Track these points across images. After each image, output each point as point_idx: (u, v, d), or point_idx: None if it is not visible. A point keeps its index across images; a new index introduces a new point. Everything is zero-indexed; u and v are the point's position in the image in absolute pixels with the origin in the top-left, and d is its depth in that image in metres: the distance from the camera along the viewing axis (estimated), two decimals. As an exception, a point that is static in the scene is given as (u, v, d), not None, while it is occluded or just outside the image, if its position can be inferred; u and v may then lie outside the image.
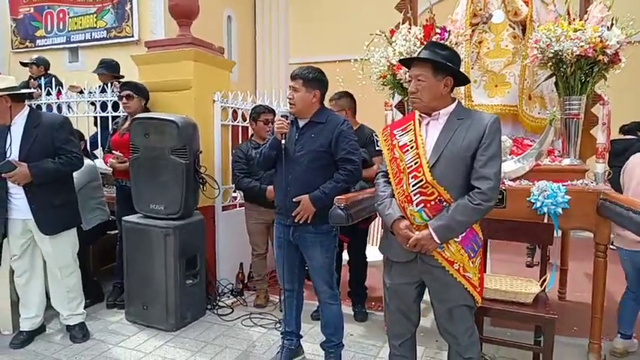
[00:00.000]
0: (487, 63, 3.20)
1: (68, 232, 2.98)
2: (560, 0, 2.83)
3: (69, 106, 4.62)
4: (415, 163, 1.86)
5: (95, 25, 7.07)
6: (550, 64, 2.70)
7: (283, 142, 2.48)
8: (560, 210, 2.52)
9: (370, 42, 3.17)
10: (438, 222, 1.81)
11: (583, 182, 2.66)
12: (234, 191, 4.19)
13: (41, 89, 4.64)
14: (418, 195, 1.85)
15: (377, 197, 2.05)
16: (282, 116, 2.53)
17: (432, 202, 1.84)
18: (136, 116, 3.36)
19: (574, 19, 2.70)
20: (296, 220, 2.48)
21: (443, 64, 1.86)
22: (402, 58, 2.62)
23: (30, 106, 2.97)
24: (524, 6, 3.15)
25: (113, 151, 3.55)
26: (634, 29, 2.58)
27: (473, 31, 3.26)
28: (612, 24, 2.56)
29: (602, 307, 2.61)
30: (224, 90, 3.98)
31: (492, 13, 3.22)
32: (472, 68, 3.19)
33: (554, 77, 2.79)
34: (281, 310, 3.16)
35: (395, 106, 3.34)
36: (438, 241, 1.81)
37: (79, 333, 3.05)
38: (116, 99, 4.03)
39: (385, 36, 3.14)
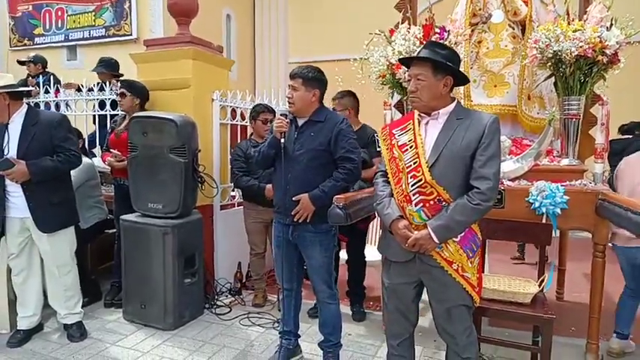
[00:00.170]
0: (486, 63, 3.20)
1: (66, 231, 2.97)
2: (560, 0, 2.83)
3: (67, 105, 4.61)
4: (414, 163, 1.86)
5: (94, 24, 7.06)
6: (549, 64, 2.70)
7: (282, 140, 2.48)
8: (558, 210, 2.52)
9: (370, 41, 3.17)
10: (437, 222, 1.81)
11: (582, 182, 2.66)
12: (233, 190, 4.19)
13: (39, 87, 4.63)
14: (417, 195, 1.85)
15: (376, 197, 2.04)
16: (281, 115, 2.52)
17: (431, 202, 1.84)
18: (135, 115, 3.35)
19: (573, 20, 2.70)
20: (295, 219, 2.48)
21: (443, 63, 1.86)
22: (401, 57, 2.62)
23: (28, 104, 2.97)
24: (523, 6, 3.15)
25: (111, 150, 3.54)
26: (633, 29, 2.58)
27: (472, 30, 3.26)
28: (611, 24, 2.56)
29: (600, 308, 2.61)
30: (223, 89, 3.97)
31: (492, 13, 3.22)
32: (471, 68, 3.19)
33: (554, 77, 2.80)
34: (279, 310, 3.16)
35: (394, 106, 3.33)
36: (437, 241, 1.81)
37: (76, 332, 3.04)
38: (114, 97, 4.02)
39: (384, 35, 3.14)
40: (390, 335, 2.13)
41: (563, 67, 2.64)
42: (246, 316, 3.48)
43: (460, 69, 2.01)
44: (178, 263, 3.21)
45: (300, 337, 2.85)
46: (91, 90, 4.32)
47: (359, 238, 3.49)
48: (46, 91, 4.57)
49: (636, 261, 2.75)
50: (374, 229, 3.90)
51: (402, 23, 3.19)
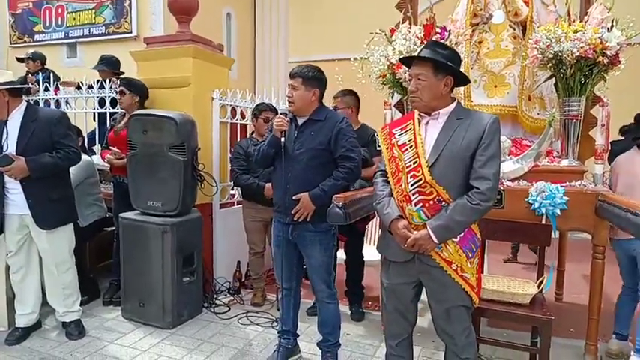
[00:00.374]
0: (487, 63, 3.20)
1: (65, 228, 2.97)
2: (561, 1, 2.83)
3: (67, 102, 4.60)
4: (414, 163, 1.86)
5: (94, 21, 7.05)
6: (550, 64, 2.70)
7: (282, 140, 2.47)
8: (558, 211, 2.52)
9: (370, 41, 3.17)
10: (437, 222, 1.81)
11: (581, 183, 2.66)
12: (232, 189, 4.19)
13: (39, 84, 4.62)
14: (417, 195, 1.85)
15: (375, 196, 2.04)
16: (281, 114, 2.52)
17: (431, 202, 1.84)
18: (134, 113, 3.35)
19: (574, 20, 2.70)
20: (295, 219, 2.47)
21: (443, 63, 1.86)
22: (402, 57, 2.61)
23: (27, 101, 2.96)
24: (524, 6, 3.15)
25: (111, 148, 3.54)
26: (634, 31, 2.58)
27: (473, 31, 3.26)
28: (612, 25, 2.56)
29: (599, 309, 2.61)
30: (223, 87, 3.97)
31: (493, 14, 3.22)
32: (472, 68, 3.19)
33: (554, 78, 2.79)
34: (278, 309, 3.16)
35: (394, 105, 3.33)
36: (437, 241, 1.81)
37: (74, 330, 3.04)
38: (114, 95, 4.01)
39: (385, 35, 3.14)
40: (388, 335, 2.13)
41: (564, 67, 2.64)
42: (244, 315, 3.47)
43: (461, 69, 2.01)
44: (177, 262, 3.20)
45: (298, 336, 2.84)
46: (90, 87, 4.31)
47: (357, 238, 3.49)
48: (46, 89, 4.56)
49: (633, 252, 2.77)
50: (372, 229, 3.90)
51: (402, 23, 3.19)
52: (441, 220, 1.81)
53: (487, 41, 3.23)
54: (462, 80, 1.98)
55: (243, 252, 3.89)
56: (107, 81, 4.21)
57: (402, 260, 1.95)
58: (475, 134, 1.82)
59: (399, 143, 1.94)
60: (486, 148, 1.81)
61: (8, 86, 2.75)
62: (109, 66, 4.52)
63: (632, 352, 2.76)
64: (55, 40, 7.40)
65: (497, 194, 2.53)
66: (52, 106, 4.47)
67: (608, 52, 2.53)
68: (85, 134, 4.17)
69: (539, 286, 2.52)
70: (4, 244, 2.96)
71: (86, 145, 4.25)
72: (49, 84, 4.53)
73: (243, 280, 4.06)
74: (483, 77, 3.21)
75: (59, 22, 7.34)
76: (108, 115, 4.13)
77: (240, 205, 3.90)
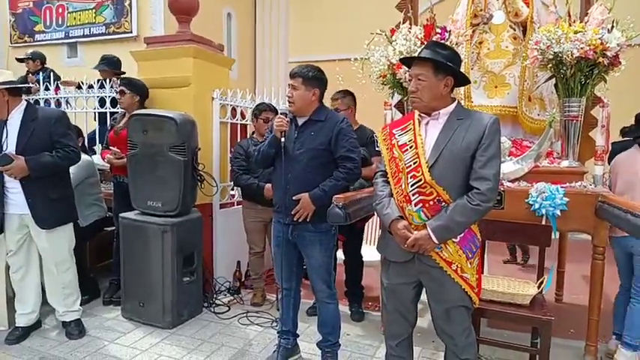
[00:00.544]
0: (487, 64, 3.19)
1: (64, 228, 2.97)
2: (561, 1, 2.83)
3: (67, 102, 4.60)
4: (414, 163, 1.86)
5: (94, 21, 7.05)
6: (550, 65, 2.69)
7: (283, 140, 2.47)
8: (558, 212, 2.51)
9: (370, 41, 3.16)
10: (437, 222, 1.81)
11: (581, 184, 2.66)
12: (232, 189, 4.19)
13: (39, 84, 4.62)
14: (417, 195, 1.85)
15: (375, 197, 2.04)
16: (281, 114, 2.52)
17: (431, 202, 1.84)
18: (135, 112, 3.35)
19: (574, 21, 2.69)
20: (295, 219, 2.47)
21: (444, 63, 1.86)
22: (402, 57, 2.61)
23: (27, 100, 2.96)
24: (524, 7, 3.15)
25: (111, 147, 3.54)
26: (634, 32, 2.57)
27: (473, 31, 3.25)
28: (613, 26, 2.56)
29: (599, 310, 2.61)
30: (223, 87, 3.97)
31: (493, 14, 3.21)
32: (472, 69, 3.19)
33: (554, 79, 2.79)
34: (278, 309, 3.16)
35: (394, 106, 3.33)
36: (436, 242, 1.81)
37: (74, 329, 3.04)
38: (114, 95, 4.01)
39: (385, 35, 3.14)
40: (388, 335, 2.13)
41: (564, 68, 2.64)
42: (244, 315, 3.47)
43: (461, 69, 2.01)
44: (177, 262, 3.20)
45: (298, 336, 2.84)
46: (91, 87, 4.31)
47: (356, 238, 3.49)
48: (46, 88, 4.56)
49: (631, 249, 2.77)
50: (372, 229, 3.90)
51: (403, 23, 3.19)
52: (441, 220, 1.81)
53: (487, 42, 3.23)
54: (462, 81, 1.98)
55: (243, 252, 3.89)
56: (107, 81, 4.21)
57: (401, 260, 1.95)
58: (475, 135, 1.82)
59: (399, 143, 1.94)
60: (486, 148, 1.81)
61: (7, 86, 2.75)
62: (110, 66, 4.52)
63: (619, 345, 2.79)
64: (55, 39, 7.40)
65: (498, 195, 2.53)
66: (53, 105, 4.47)
67: (608, 53, 2.53)
68: (85, 134, 4.17)
69: (539, 287, 2.52)
70: (4, 244, 2.96)
71: (86, 144, 4.25)
72: (50, 83, 4.53)
73: (243, 280, 4.06)
74: (484, 78, 3.21)
75: (59, 22, 7.34)
76: (108, 114, 4.13)
77: (241, 205, 3.90)
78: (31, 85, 4.65)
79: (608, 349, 2.90)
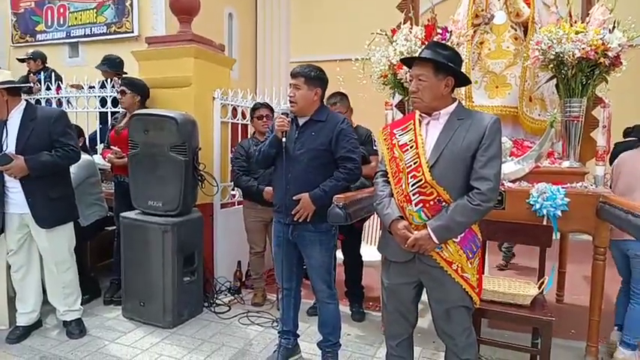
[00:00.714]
0: (488, 64, 3.19)
1: (65, 227, 2.97)
2: (562, 2, 2.82)
3: (68, 102, 4.60)
4: (414, 163, 1.86)
5: (95, 21, 7.06)
6: (551, 65, 2.69)
7: (284, 140, 2.47)
8: (559, 212, 2.51)
9: (371, 41, 3.16)
10: (437, 222, 1.81)
11: (583, 185, 2.66)
12: (233, 189, 4.19)
13: (41, 84, 4.63)
14: (417, 195, 1.85)
15: (376, 197, 2.04)
16: (282, 114, 2.52)
17: (431, 202, 1.84)
18: (135, 112, 3.35)
19: (576, 21, 2.69)
20: (295, 219, 2.47)
21: (444, 64, 1.86)
22: (403, 57, 2.61)
23: (27, 100, 2.97)
24: (526, 7, 3.15)
25: (112, 147, 3.54)
26: (635, 32, 2.57)
27: (474, 31, 3.25)
28: (614, 27, 2.55)
29: (600, 310, 2.61)
30: (224, 87, 3.97)
31: (494, 14, 3.21)
32: (473, 69, 3.19)
33: (555, 79, 2.79)
34: (278, 309, 3.16)
35: (395, 106, 3.33)
36: (437, 241, 1.81)
37: (75, 329, 3.04)
38: (116, 95, 4.02)
39: (386, 35, 3.14)
40: (389, 336, 2.13)
41: (565, 68, 2.64)
42: (245, 314, 3.47)
43: (462, 70, 2.00)
44: (178, 261, 3.20)
45: (299, 336, 2.84)
46: (92, 87, 4.31)
47: (355, 237, 3.49)
48: (48, 88, 4.57)
49: (628, 252, 2.81)
50: (371, 229, 3.90)
51: (404, 23, 3.18)
52: (442, 220, 1.81)
53: (488, 42, 3.23)
54: (463, 81, 1.98)
55: (244, 252, 3.89)
56: (109, 80, 4.21)
57: (402, 260, 1.95)
58: (476, 135, 1.82)
59: (400, 143, 1.94)
60: (487, 148, 1.81)
61: (6, 85, 2.75)
62: (112, 67, 4.52)
63: (618, 344, 2.82)
64: (56, 39, 7.41)
65: (499, 195, 2.53)
66: (54, 105, 4.48)
67: (609, 54, 2.52)
68: (86, 134, 4.17)
69: (539, 288, 2.52)
70: (4, 243, 2.96)
71: (87, 144, 4.25)
72: (51, 83, 4.54)
73: (243, 280, 4.06)
74: (484, 78, 3.21)
75: (61, 22, 7.35)
76: (109, 114, 4.13)
77: (241, 205, 3.90)
78: (31, 84, 4.66)
79: (609, 342, 2.91)
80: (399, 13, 3.32)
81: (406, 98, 3.12)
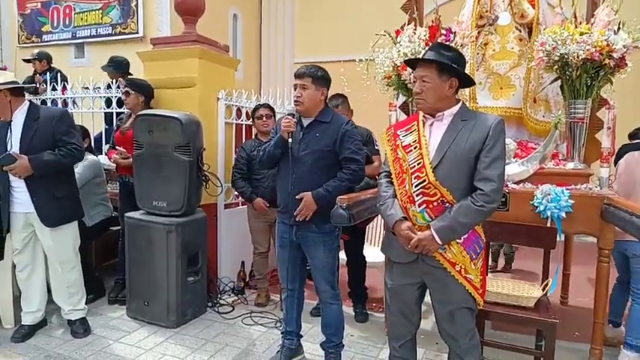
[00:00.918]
0: (492, 65, 3.19)
1: (69, 226, 2.98)
2: (567, 3, 2.82)
3: (74, 102, 4.63)
4: (418, 164, 1.86)
5: (100, 21, 7.09)
6: (556, 67, 2.68)
7: (290, 140, 2.47)
8: (563, 214, 2.50)
9: (375, 42, 3.16)
10: (440, 223, 1.81)
11: (587, 186, 2.65)
12: (237, 190, 4.20)
13: (46, 84, 4.66)
14: (421, 195, 1.85)
15: (379, 198, 2.04)
16: (288, 114, 2.52)
17: (435, 203, 1.84)
18: (140, 112, 3.37)
19: (580, 23, 2.68)
20: (297, 219, 2.47)
21: (448, 65, 1.86)
22: (407, 58, 2.61)
23: (30, 100, 2.99)
24: (530, 8, 3.14)
25: (117, 147, 3.56)
26: (640, 33, 2.56)
27: (479, 32, 3.25)
28: (619, 28, 2.55)
29: (605, 313, 2.60)
30: (229, 88, 3.98)
31: (499, 15, 3.21)
32: (477, 70, 3.18)
33: (560, 80, 2.78)
34: (282, 310, 3.16)
35: (399, 107, 3.33)
36: (440, 242, 1.81)
37: (79, 328, 3.06)
38: (120, 95, 4.04)
39: (390, 36, 3.14)
40: (392, 337, 2.13)
41: (570, 70, 2.63)
42: (248, 315, 3.48)
43: (466, 71, 2.00)
44: (182, 261, 3.22)
45: (302, 337, 2.85)
46: (98, 88, 4.34)
47: (358, 238, 3.49)
48: (53, 88, 4.59)
49: (626, 252, 2.83)
50: (374, 230, 3.90)
51: (408, 24, 3.18)
52: (445, 221, 1.80)
53: (493, 43, 3.22)
54: (467, 82, 1.98)
55: (248, 252, 3.90)
56: (114, 81, 4.23)
57: (405, 261, 1.95)
58: (479, 135, 1.82)
59: (403, 144, 1.94)
60: (491, 149, 1.80)
61: (9, 86, 2.77)
62: (118, 69, 4.53)
63: (622, 347, 2.82)
64: (62, 40, 7.44)
65: (502, 196, 2.52)
66: (60, 105, 4.50)
67: (614, 55, 2.51)
68: (92, 133, 4.19)
69: (543, 290, 2.51)
70: (10, 243, 2.98)
71: (92, 145, 4.27)
72: (57, 83, 4.57)
73: (247, 280, 4.06)
74: (489, 79, 3.20)
75: (67, 23, 7.38)
76: (114, 115, 4.15)
77: (245, 206, 3.90)
78: (36, 85, 4.69)
79: (604, 337, 2.92)
80: (403, 14, 3.32)
81: (410, 99, 3.12)
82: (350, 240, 3.43)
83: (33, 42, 7.64)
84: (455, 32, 3.01)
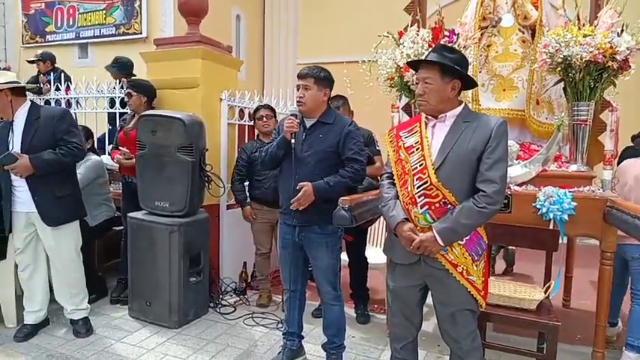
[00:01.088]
0: (495, 67, 3.19)
1: (71, 226, 2.99)
2: (570, 5, 2.81)
3: (77, 102, 4.64)
4: (420, 165, 1.86)
5: (104, 22, 7.11)
6: (559, 69, 2.68)
7: (293, 141, 2.47)
8: (566, 216, 2.50)
9: (378, 43, 3.17)
10: (442, 224, 1.81)
11: (590, 189, 2.64)
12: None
13: (50, 85, 4.68)
14: (423, 197, 1.85)
15: (381, 199, 2.05)
16: (291, 115, 2.52)
17: (437, 205, 1.84)
18: (143, 113, 3.38)
19: (584, 25, 2.68)
20: (293, 207, 2.45)
21: (451, 66, 1.86)
22: (409, 60, 2.61)
23: (32, 100, 3.00)
24: (533, 10, 3.14)
25: (120, 148, 3.57)
26: (644, 36, 2.55)
27: (482, 34, 3.25)
28: (622, 30, 2.54)
29: (607, 316, 2.59)
30: (231, 89, 3.99)
31: (502, 17, 3.20)
32: (480, 72, 3.18)
33: (563, 82, 2.78)
34: (283, 310, 3.16)
35: (402, 108, 3.33)
36: (442, 244, 1.81)
37: (82, 328, 3.06)
38: (124, 96, 4.05)
39: (393, 38, 3.14)
40: (393, 338, 2.13)
41: (573, 72, 2.62)
42: (250, 316, 3.48)
43: (469, 72, 2.00)
44: (184, 262, 3.22)
45: (303, 338, 2.85)
46: (100, 89, 4.35)
47: (360, 239, 3.49)
48: (57, 88, 4.61)
49: (625, 255, 2.83)
50: (377, 231, 3.90)
51: (411, 26, 3.18)
52: (447, 222, 1.80)
53: (496, 45, 3.22)
54: (470, 84, 1.98)
55: (250, 253, 3.90)
56: (118, 82, 4.25)
57: (407, 263, 1.95)
58: (482, 137, 1.82)
59: (406, 145, 1.94)
60: (493, 150, 1.80)
61: (10, 85, 2.78)
62: (122, 70, 4.54)
63: (623, 348, 2.83)
64: (66, 40, 7.46)
65: (505, 198, 2.52)
66: (63, 105, 4.51)
67: (617, 57, 2.51)
68: (95, 134, 4.20)
69: (546, 292, 2.51)
70: (12, 242, 2.99)
71: (95, 145, 4.28)
72: (60, 84, 4.58)
73: (249, 280, 4.07)
74: (492, 81, 3.20)
75: (70, 23, 7.41)
76: (117, 115, 4.17)
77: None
78: (39, 85, 4.70)
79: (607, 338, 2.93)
80: (406, 15, 3.32)
81: (413, 101, 3.11)
82: (352, 241, 3.43)
83: (37, 42, 7.67)
84: (458, 34, 3.00)
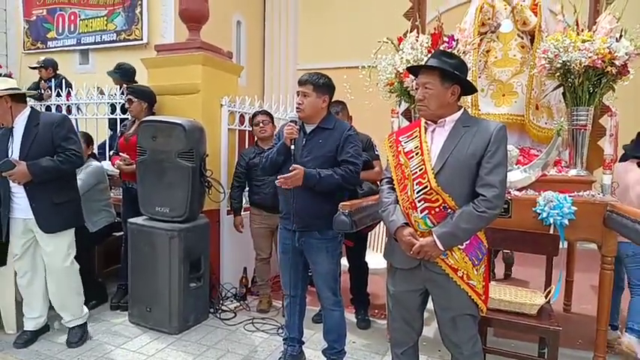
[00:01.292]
0: (495, 72, 3.19)
1: (69, 232, 2.98)
2: (569, 10, 2.82)
3: (78, 108, 4.66)
4: (420, 170, 1.87)
5: (105, 28, 7.15)
6: (558, 74, 2.69)
7: (292, 147, 2.48)
8: (566, 221, 2.50)
9: (378, 49, 3.18)
10: (442, 229, 1.81)
11: (590, 193, 2.64)
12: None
13: (52, 91, 4.70)
14: (422, 201, 1.85)
15: (381, 204, 2.05)
16: (291, 121, 2.53)
17: (437, 209, 1.84)
18: (144, 119, 3.39)
19: (582, 30, 2.69)
20: (278, 184, 2.44)
21: (450, 72, 1.87)
22: (409, 65, 2.63)
23: (32, 107, 3.00)
24: (532, 16, 3.15)
25: (120, 153, 3.58)
26: (643, 41, 2.56)
27: (481, 40, 3.26)
28: (621, 35, 2.55)
29: (608, 320, 2.58)
30: (232, 94, 4.00)
31: (501, 23, 3.22)
32: (479, 77, 3.19)
33: (562, 88, 2.79)
34: (284, 316, 3.16)
35: (402, 114, 3.34)
36: (442, 248, 1.81)
37: (74, 337, 3.02)
38: (124, 102, 4.06)
39: (393, 43, 3.15)
40: (394, 344, 2.13)
41: (572, 77, 2.63)
42: (250, 321, 3.48)
43: (468, 78, 2.01)
44: (184, 267, 3.22)
45: (304, 343, 2.84)
46: (102, 93, 4.36)
47: (360, 244, 3.48)
48: (58, 95, 4.63)
49: (618, 252, 2.80)
50: (376, 236, 3.90)
51: (410, 31, 3.20)
52: (447, 227, 1.81)
53: (495, 50, 3.23)
54: (469, 89, 1.99)
55: (250, 258, 3.90)
56: (119, 88, 4.27)
57: (407, 267, 1.95)
58: (481, 141, 1.83)
59: (405, 150, 1.95)
60: (493, 155, 1.81)
61: (10, 92, 2.79)
62: (124, 77, 4.56)
63: (624, 331, 2.89)
64: (67, 46, 7.50)
65: (505, 203, 2.52)
66: (64, 111, 4.53)
67: (616, 62, 2.52)
68: (95, 141, 4.21)
69: (546, 297, 2.50)
70: (11, 249, 2.98)
71: (96, 152, 4.29)
72: (61, 90, 4.60)
73: (249, 286, 4.06)
74: (491, 86, 3.21)
75: (72, 29, 7.45)
76: (118, 121, 4.18)
77: (247, 212, 3.91)
78: (40, 91, 4.72)
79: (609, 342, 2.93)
80: (405, 21, 3.34)
81: (412, 106, 3.12)
82: (352, 246, 3.43)
83: (38, 48, 7.71)
84: (457, 39, 3.02)
